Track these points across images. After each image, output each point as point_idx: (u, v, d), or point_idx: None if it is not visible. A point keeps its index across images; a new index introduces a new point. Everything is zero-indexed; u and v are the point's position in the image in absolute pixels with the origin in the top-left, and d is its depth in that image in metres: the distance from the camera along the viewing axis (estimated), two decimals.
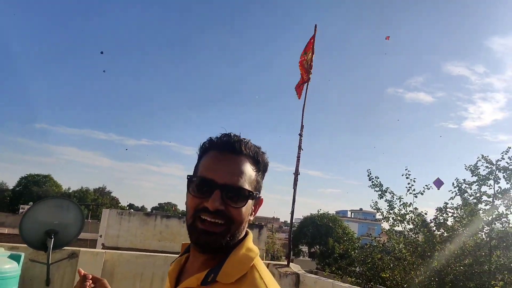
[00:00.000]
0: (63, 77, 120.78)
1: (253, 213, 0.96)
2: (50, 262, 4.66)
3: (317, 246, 35.38)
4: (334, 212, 46.51)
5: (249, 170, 0.92)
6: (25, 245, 4.65)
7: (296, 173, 5.63)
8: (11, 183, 79.04)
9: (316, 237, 35.04)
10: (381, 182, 8.33)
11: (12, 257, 4.12)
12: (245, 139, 0.95)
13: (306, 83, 5.93)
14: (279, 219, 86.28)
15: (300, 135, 5.70)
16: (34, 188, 66.06)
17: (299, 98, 5.88)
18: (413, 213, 7.72)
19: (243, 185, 0.89)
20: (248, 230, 0.98)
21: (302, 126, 5.73)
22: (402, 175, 7.97)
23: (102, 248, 13.83)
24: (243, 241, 0.93)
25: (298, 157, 5.65)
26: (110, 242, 14.89)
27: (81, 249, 5.07)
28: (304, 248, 37.82)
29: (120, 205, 75.63)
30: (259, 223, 25.76)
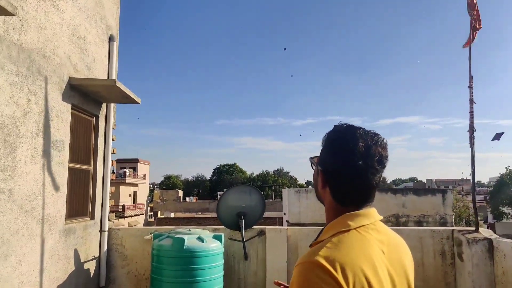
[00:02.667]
0: (230, 71, 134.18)
1: (321, 183, 1.18)
2: (244, 240, 5.47)
3: None
4: None
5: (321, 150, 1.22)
6: (223, 226, 5.57)
7: (472, 130, 5.01)
8: (207, 174, 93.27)
9: None
10: None
11: (215, 237, 4.92)
12: (334, 128, 1.19)
13: (476, 30, 5.15)
14: (469, 180, 76.85)
15: (470, 87, 5.03)
16: (225, 177, 76.25)
17: (464, 47, 5.17)
18: None
19: (315, 160, 1.23)
20: (350, 209, 1.11)
21: (471, 77, 5.04)
22: None
23: (288, 225, 15.09)
24: (341, 217, 1.11)
25: (471, 112, 5.01)
26: (293, 219, 16.09)
27: (267, 227, 5.73)
28: (508, 210, 32.80)
29: (298, 183, 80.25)
30: (445, 187, 23.44)
